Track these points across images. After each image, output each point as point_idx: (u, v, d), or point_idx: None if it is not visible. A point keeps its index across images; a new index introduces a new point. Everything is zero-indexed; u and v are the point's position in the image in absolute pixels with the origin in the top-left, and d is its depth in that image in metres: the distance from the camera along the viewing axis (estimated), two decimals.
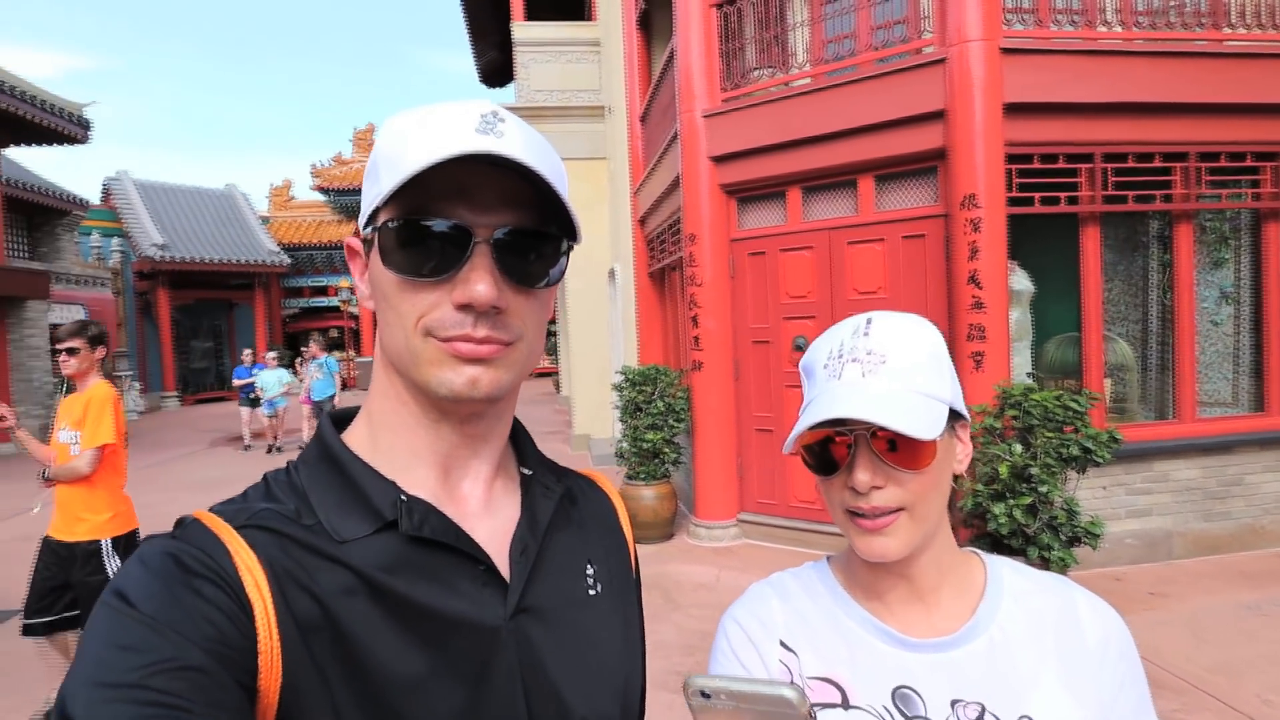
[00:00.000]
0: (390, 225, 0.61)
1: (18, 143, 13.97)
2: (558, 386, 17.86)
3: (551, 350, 24.08)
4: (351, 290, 23.80)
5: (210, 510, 0.61)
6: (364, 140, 25.31)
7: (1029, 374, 5.13)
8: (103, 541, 3.42)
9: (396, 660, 0.58)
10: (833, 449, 0.77)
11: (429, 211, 0.60)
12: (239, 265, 22.44)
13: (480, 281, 0.60)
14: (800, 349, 5.53)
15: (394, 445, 0.67)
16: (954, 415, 0.79)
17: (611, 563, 0.78)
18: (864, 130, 5.06)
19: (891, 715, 0.76)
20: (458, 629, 0.61)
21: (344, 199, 23.98)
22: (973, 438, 4.24)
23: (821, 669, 0.81)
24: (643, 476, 6.10)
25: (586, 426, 10.52)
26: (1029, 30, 4.76)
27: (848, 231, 5.32)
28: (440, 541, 0.62)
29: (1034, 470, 3.95)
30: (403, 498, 0.63)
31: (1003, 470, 3.99)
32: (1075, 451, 3.93)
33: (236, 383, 12.03)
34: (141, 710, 0.47)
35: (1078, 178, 4.85)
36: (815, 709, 0.78)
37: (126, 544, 3.48)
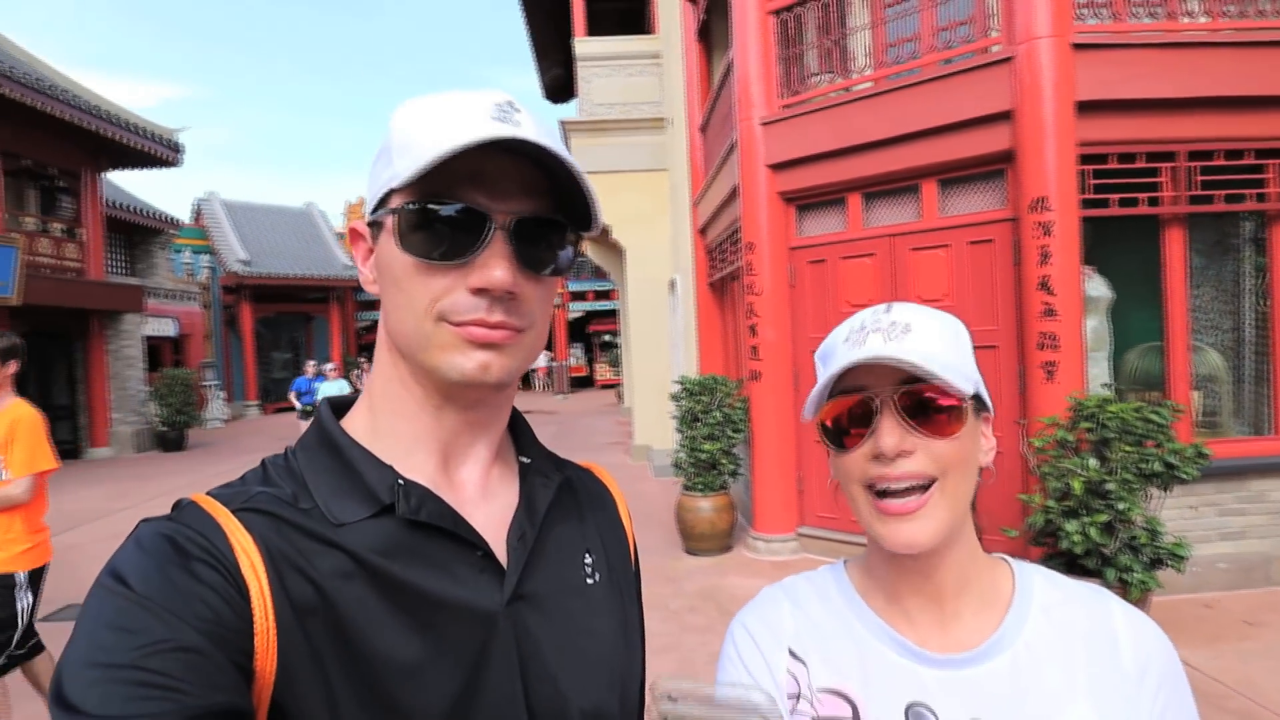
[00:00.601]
0: (409, 208, 0.60)
1: (117, 167, 14.90)
2: (620, 397, 17.89)
3: (615, 362, 24.22)
4: None
5: (208, 494, 0.61)
6: None
7: (1105, 385, 4.87)
8: (16, 575, 3.12)
9: (392, 644, 0.57)
10: (852, 422, 0.72)
11: (447, 196, 0.60)
12: (316, 279, 23.42)
13: (498, 267, 0.60)
14: None
15: (395, 430, 0.67)
16: (981, 405, 0.75)
17: (610, 554, 0.77)
18: (927, 133, 4.91)
19: None
20: (455, 614, 0.61)
21: None
22: (1043, 450, 4.07)
23: (831, 681, 0.76)
24: (700, 488, 6.02)
25: (646, 437, 10.49)
26: (1103, 25, 4.54)
27: (911, 238, 5.17)
28: (437, 526, 0.62)
29: (1110, 486, 3.72)
30: (400, 481, 0.63)
31: (1076, 486, 3.77)
32: (1157, 467, 3.69)
33: (292, 395, 12.39)
34: (137, 690, 0.47)
35: (1159, 178, 4.58)
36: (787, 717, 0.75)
37: (37, 579, 3.22)
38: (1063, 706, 0.69)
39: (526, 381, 27.57)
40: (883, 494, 0.71)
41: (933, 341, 0.71)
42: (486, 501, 0.69)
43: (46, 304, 12.59)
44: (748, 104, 5.85)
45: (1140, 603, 3.67)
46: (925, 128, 4.90)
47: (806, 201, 5.77)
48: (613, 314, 23.01)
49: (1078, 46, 4.39)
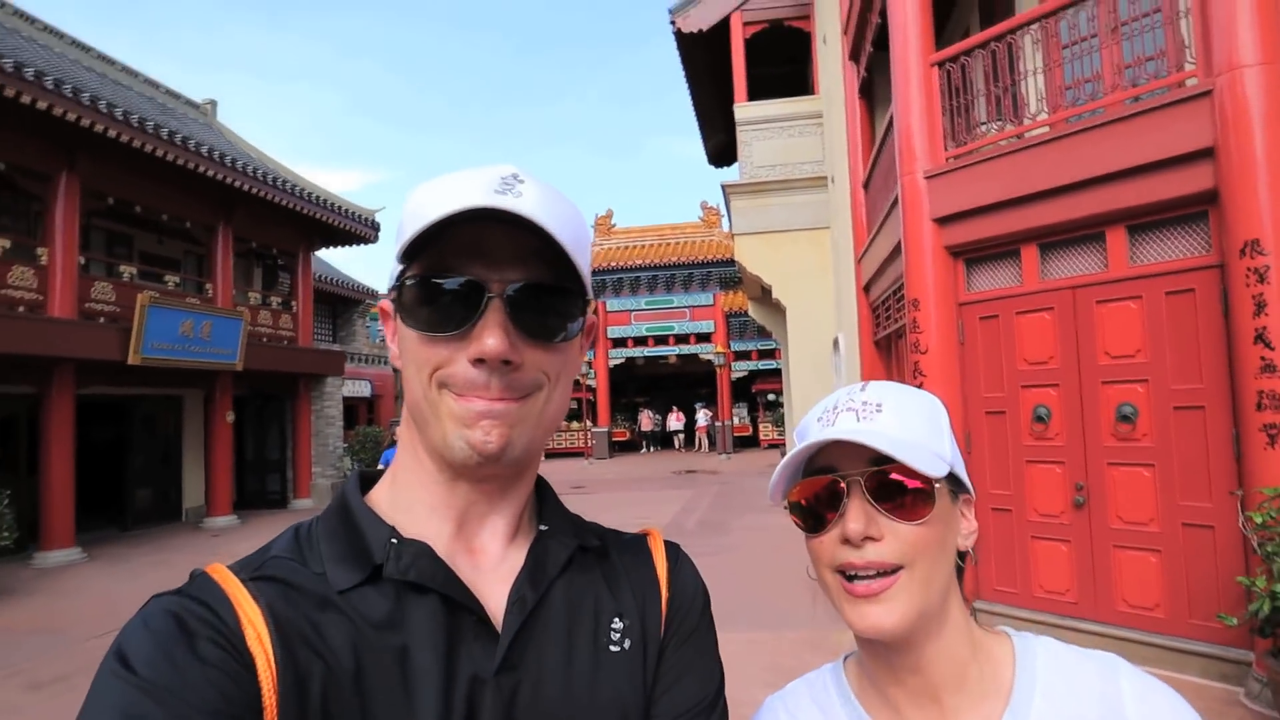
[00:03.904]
0: (409, 283, 0.64)
1: (325, 245, 16.96)
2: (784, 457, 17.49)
3: (779, 421, 23.81)
4: (589, 364, 25.41)
5: (230, 565, 0.63)
6: (603, 225, 27.31)
7: None
8: None
9: (386, 710, 0.58)
10: (822, 505, 0.71)
11: (446, 269, 0.62)
12: None
13: (491, 335, 0.61)
14: (1042, 420, 4.97)
15: (412, 500, 0.68)
16: (958, 487, 0.73)
17: (647, 620, 0.73)
18: (1112, 177, 4.55)
19: None
20: (447, 681, 0.60)
21: None
22: (1265, 526, 3.53)
23: None
24: None
25: (772, 504, 10.16)
26: None
27: (1095, 290, 4.75)
28: (433, 590, 0.62)
29: None
30: (393, 540, 0.64)
31: None
32: None
33: (380, 466, 13.12)
34: None
35: None
36: None
37: None
38: None
39: (689, 441, 27.67)
40: (852, 578, 0.69)
41: (907, 419, 0.70)
42: (505, 569, 0.68)
43: (264, 369, 14.17)
44: (911, 157, 5.71)
45: None
46: (1110, 171, 4.53)
47: (976, 255, 5.49)
48: (777, 373, 22.73)
49: None
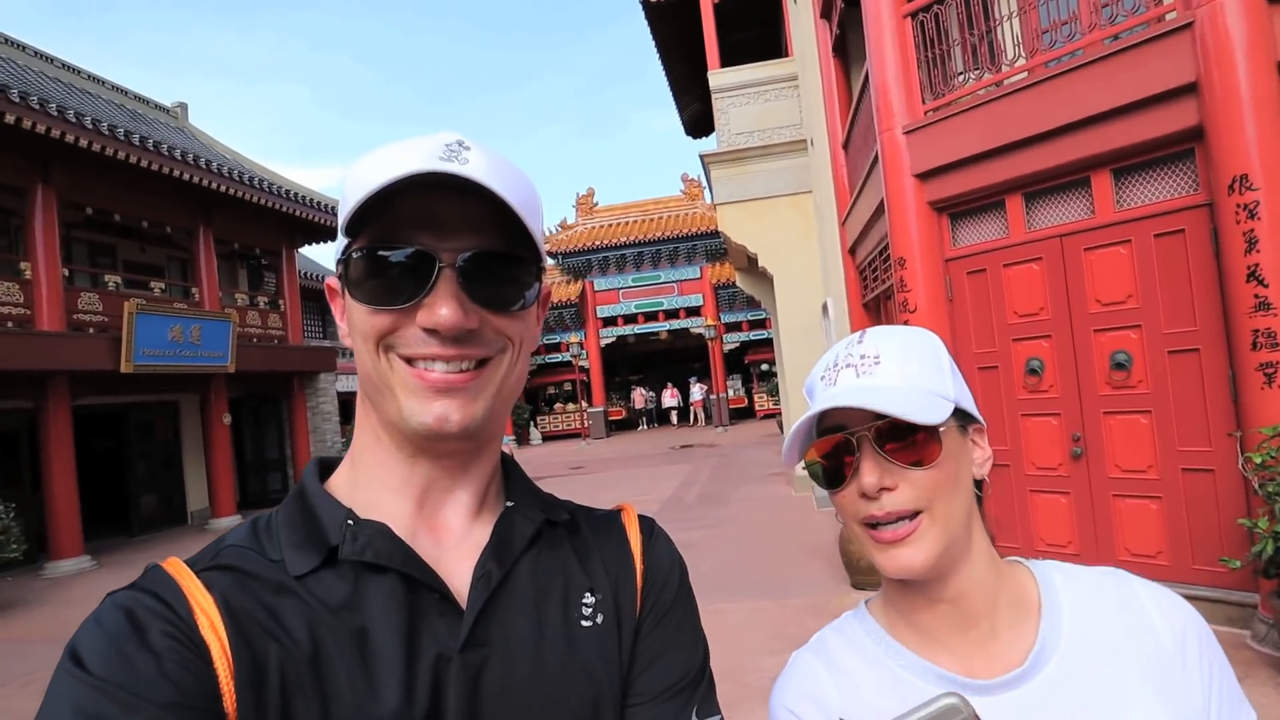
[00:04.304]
0: (356, 256, 0.61)
1: (309, 241, 16.77)
2: (781, 427, 17.50)
3: (774, 391, 23.78)
4: (581, 345, 25.32)
5: (186, 558, 0.61)
6: (585, 204, 27.06)
7: None
8: None
9: (351, 692, 0.56)
10: (839, 460, 0.73)
11: (394, 240, 0.60)
12: None
13: (444, 305, 0.59)
14: (1035, 373, 4.90)
15: (372, 480, 0.67)
16: (967, 419, 0.75)
17: (621, 595, 0.71)
18: (1095, 120, 4.44)
19: None
20: (410, 659, 0.58)
21: (570, 260, 25.71)
22: (1266, 466, 3.48)
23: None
24: None
25: (786, 467, 10.13)
26: None
27: (1083, 237, 4.66)
28: (393, 569, 0.61)
29: None
30: (350, 521, 0.63)
31: None
32: None
33: None
34: None
35: None
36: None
37: None
38: (1125, 705, 0.68)
39: (684, 416, 27.67)
40: (875, 525, 0.71)
41: (907, 366, 0.72)
42: (469, 545, 0.67)
43: (256, 369, 14.25)
44: (888, 113, 5.58)
45: None
46: (1093, 114, 4.42)
47: (960, 209, 5.39)
48: (769, 343, 22.68)
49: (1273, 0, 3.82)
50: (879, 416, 0.69)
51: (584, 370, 25.90)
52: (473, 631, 0.61)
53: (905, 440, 0.69)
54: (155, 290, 12.70)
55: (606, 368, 26.87)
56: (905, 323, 5.49)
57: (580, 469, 17.46)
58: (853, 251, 8.18)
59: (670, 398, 27.63)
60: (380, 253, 0.60)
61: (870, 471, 0.69)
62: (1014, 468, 5.09)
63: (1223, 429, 4.06)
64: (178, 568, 0.59)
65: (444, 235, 0.60)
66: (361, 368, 0.64)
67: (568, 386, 27.67)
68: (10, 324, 9.89)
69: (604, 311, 25.95)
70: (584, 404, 26.25)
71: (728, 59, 11.30)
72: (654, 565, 0.74)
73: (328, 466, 0.72)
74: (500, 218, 0.60)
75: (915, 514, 0.69)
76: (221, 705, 0.53)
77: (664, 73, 14.05)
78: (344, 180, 0.63)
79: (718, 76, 10.70)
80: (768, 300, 13.08)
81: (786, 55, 11.02)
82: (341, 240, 0.63)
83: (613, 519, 0.78)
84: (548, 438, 27.36)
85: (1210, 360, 4.13)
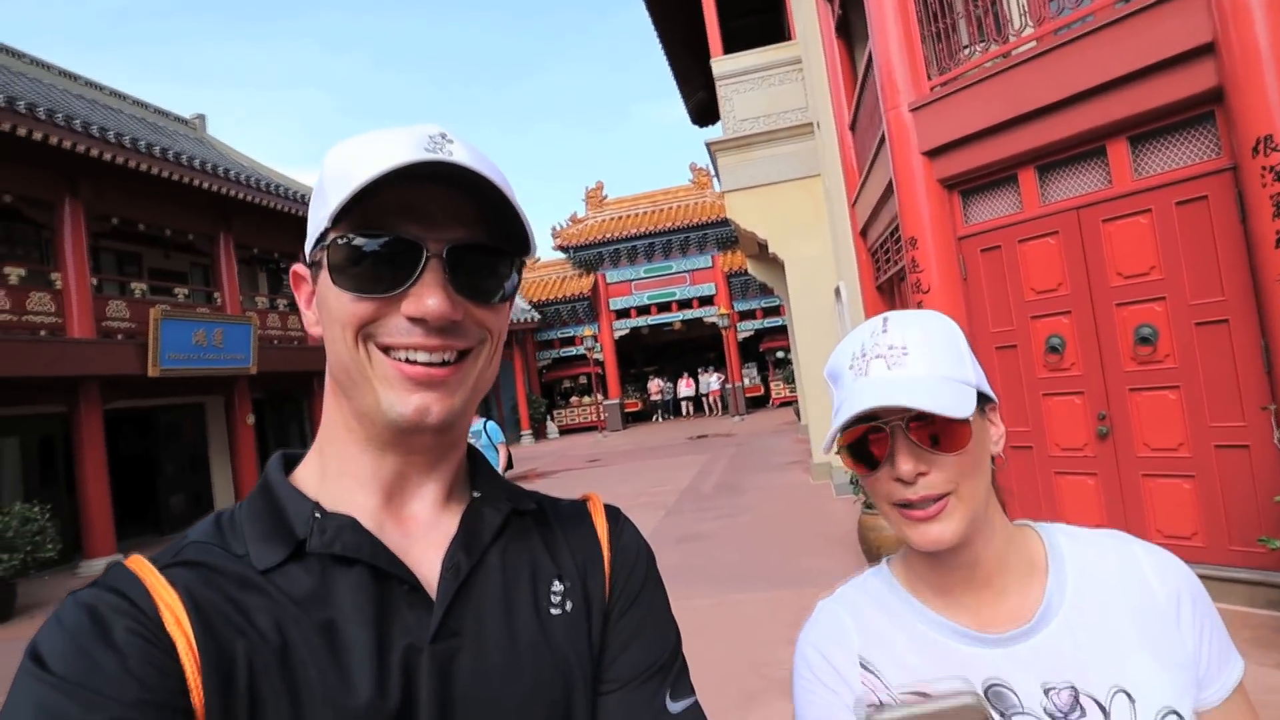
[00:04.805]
0: (340, 242, 0.60)
1: None
2: (798, 415, 17.34)
3: (790, 378, 23.62)
4: (595, 338, 25.25)
5: (149, 556, 0.60)
6: (595, 197, 26.96)
7: None
8: None
9: (322, 685, 0.56)
10: (871, 446, 0.77)
11: (380, 229, 0.59)
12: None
13: (431, 295, 0.59)
14: (1056, 350, 4.75)
15: (339, 473, 0.66)
16: (983, 399, 0.79)
17: (589, 583, 0.72)
18: (1108, 87, 4.27)
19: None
20: (380, 651, 0.58)
21: (581, 254, 25.64)
22: None
23: (909, 683, 0.76)
24: None
25: (826, 455, 10.02)
26: None
27: (1101, 208, 4.50)
28: (360, 560, 0.60)
29: None
30: (317, 515, 0.62)
31: None
32: None
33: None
34: None
35: None
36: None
37: None
38: (1122, 657, 0.75)
39: (699, 406, 27.55)
40: (907, 505, 0.76)
41: (934, 356, 0.76)
42: (437, 535, 0.66)
43: (278, 370, 14.65)
44: (893, 91, 5.44)
45: None
46: (1105, 81, 4.26)
47: (971, 185, 5.23)
48: (783, 330, 22.50)
49: None
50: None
51: (599, 363, 25.85)
52: (443, 622, 0.61)
53: (938, 430, 0.74)
54: (179, 296, 13.19)
55: (621, 360, 26.80)
56: (919, 304, 5.36)
57: (597, 461, 17.42)
58: (864, 234, 8.03)
59: (685, 388, 27.53)
60: (366, 240, 0.59)
61: (906, 459, 0.74)
62: (1037, 449, 4.95)
63: (1256, 402, 3.90)
64: (141, 565, 0.58)
65: (430, 226, 0.60)
66: (336, 357, 0.63)
67: (583, 380, 27.65)
68: (43, 332, 10.44)
69: (617, 304, 25.86)
70: (599, 397, 26.20)
71: (730, 45, 11.14)
72: (621, 553, 0.75)
73: (292, 460, 0.71)
74: (482, 210, 0.62)
75: (945, 495, 0.75)
76: (189, 700, 0.52)
77: (667, 62, 13.91)
78: (323, 169, 0.62)
79: (721, 63, 10.56)
80: (780, 287, 12.95)
81: (789, 39, 10.86)
82: (317, 227, 0.62)
83: (579, 508, 0.78)
84: (564, 431, 27.35)
85: (1240, 331, 3.97)
